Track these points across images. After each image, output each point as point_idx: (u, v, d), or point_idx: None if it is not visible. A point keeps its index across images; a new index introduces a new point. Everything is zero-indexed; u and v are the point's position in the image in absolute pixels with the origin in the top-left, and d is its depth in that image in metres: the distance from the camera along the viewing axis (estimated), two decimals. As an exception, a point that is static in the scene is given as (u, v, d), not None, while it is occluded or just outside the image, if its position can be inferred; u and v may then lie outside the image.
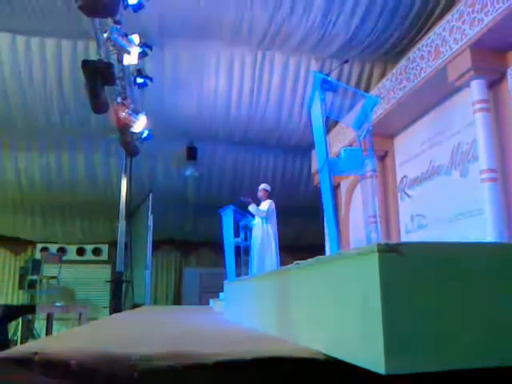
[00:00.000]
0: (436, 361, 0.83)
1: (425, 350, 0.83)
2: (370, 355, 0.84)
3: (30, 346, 1.19)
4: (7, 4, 7.22)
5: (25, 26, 7.88)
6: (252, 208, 6.39)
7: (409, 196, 7.14)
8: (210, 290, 10.50)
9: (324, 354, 1.02)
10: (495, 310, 0.88)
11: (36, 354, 1.05)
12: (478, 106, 5.07)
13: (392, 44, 8.32)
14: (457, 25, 5.26)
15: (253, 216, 6.50)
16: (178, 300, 12.93)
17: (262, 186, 6.71)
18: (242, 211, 6.57)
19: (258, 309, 1.95)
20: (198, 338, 1.72)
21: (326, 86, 3.90)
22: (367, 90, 8.50)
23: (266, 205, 6.40)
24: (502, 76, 5.19)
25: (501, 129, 5.16)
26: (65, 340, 1.55)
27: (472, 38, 5.00)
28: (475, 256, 0.91)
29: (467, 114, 5.47)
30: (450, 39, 5.37)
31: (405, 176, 7.27)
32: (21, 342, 7.45)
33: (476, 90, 5.12)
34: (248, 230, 6.60)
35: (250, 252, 6.54)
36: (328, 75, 4.25)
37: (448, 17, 5.48)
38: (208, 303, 5.98)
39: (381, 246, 0.85)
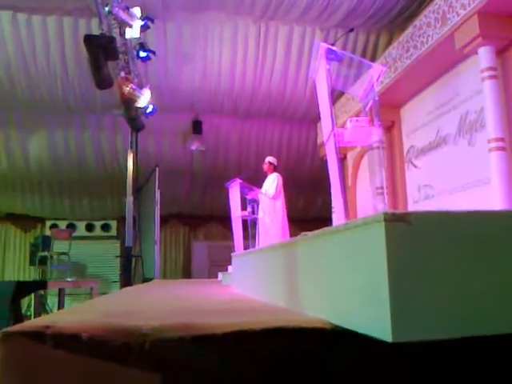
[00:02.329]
0: (444, 328, 0.84)
1: (432, 318, 0.83)
2: (377, 324, 0.85)
3: (42, 320, 1.21)
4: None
5: (26, 3, 7.80)
6: (261, 191, 6.40)
7: (416, 166, 7.10)
8: (219, 264, 10.60)
9: (331, 324, 1.03)
10: (506, 277, 0.88)
11: (48, 327, 1.07)
12: (486, 73, 4.99)
13: (398, 12, 8.17)
14: (464, -11, 5.13)
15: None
16: (187, 274, 13.08)
17: (268, 158, 6.71)
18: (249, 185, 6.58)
19: (266, 280, 1.97)
20: (206, 310, 1.75)
21: (331, 55, 3.86)
22: (373, 59, 8.38)
23: (272, 181, 6.39)
24: (511, 43, 5.09)
25: (509, 97, 5.09)
26: (76, 314, 1.57)
27: (480, 4, 4.88)
28: (484, 224, 0.91)
29: (475, 81, 5.39)
30: (457, 5, 5.25)
31: (412, 146, 7.23)
32: (34, 317, 7.59)
33: (484, 57, 5.03)
34: (255, 203, 6.62)
35: (257, 226, 6.57)
36: (333, 45, 4.19)
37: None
38: (217, 276, 6.04)
39: (387, 216, 0.85)
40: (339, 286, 1.05)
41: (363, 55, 8.68)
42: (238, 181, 6.57)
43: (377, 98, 4.27)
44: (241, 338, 1.01)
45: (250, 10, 8.23)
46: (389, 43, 8.33)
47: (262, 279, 2.06)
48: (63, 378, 1.02)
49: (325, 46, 3.85)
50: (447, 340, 0.85)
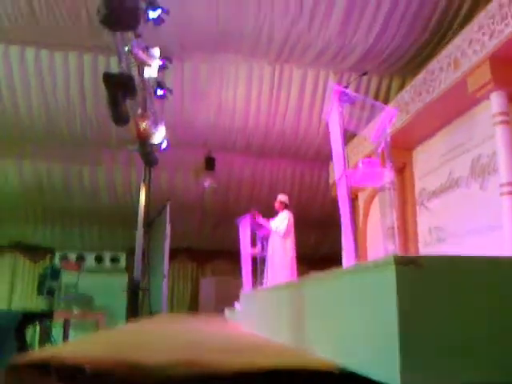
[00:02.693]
0: (452, 377, 0.82)
1: (441, 366, 0.82)
2: (386, 369, 0.84)
3: (48, 351, 1.21)
4: (32, 17, 7.41)
5: (49, 40, 8.06)
6: (271, 225, 6.40)
7: (427, 208, 7.07)
8: (226, 300, 10.48)
9: (339, 367, 1.02)
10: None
11: (53, 358, 1.07)
12: (498, 118, 5.02)
13: (411, 56, 8.30)
14: (476, 37, 5.22)
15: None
16: (194, 309, 12.93)
17: (280, 197, 6.71)
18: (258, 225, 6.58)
19: (274, 319, 1.95)
20: (213, 347, 1.73)
21: (344, 98, 3.91)
22: (386, 102, 8.47)
23: (283, 219, 6.38)
24: (523, 88, 5.13)
25: (522, 142, 5.08)
26: (81, 346, 1.56)
27: (492, 49, 4.95)
28: (495, 271, 0.90)
29: (487, 126, 5.41)
30: (469, 51, 5.33)
31: (423, 188, 7.21)
32: (38, 347, 7.52)
33: (496, 102, 5.07)
34: (265, 240, 6.61)
35: (266, 263, 6.53)
36: (346, 87, 4.26)
37: (467, 28, 5.45)
38: (224, 312, 5.98)
39: (398, 258, 0.85)
40: (347, 328, 1.04)
41: (376, 98, 8.78)
42: (249, 217, 6.58)
43: (388, 140, 4.30)
44: (248, 378, 0.99)
45: (265, 53, 8.41)
46: (401, 87, 8.43)
47: (271, 317, 2.04)
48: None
49: (338, 88, 3.92)
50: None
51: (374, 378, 0.88)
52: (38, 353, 1.24)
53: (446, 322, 0.84)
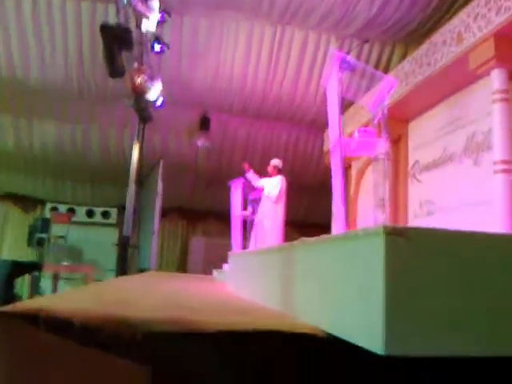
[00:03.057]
0: (436, 346, 0.84)
1: (426, 335, 0.84)
2: (370, 335, 0.86)
3: (36, 302, 1.22)
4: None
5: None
6: (262, 185, 6.40)
7: (419, 181, 7.10)
8: (215, 261, 10.60)
9: (324, 331, 1.04)
10: (501, 301, 0.89)
11: (42, 310, 1.08)
12: (497, 95, 4.99)
13: (415, 26, 8.17)
14: (482, 11, 5.13)
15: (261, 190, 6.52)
16: (183, 268, 13.08)
17: (273, 162, 6.71)
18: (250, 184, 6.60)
19: (261, 282, 1.97)
20: (200, 307, 1.75)
21: (344, 65, 3.86)
22: (386, 71, 8.37)
23: (276, 184, 6.39)
24: (525, 67, 5.08)
25: (519, 120, 5.08)
26: (70, 299, 1.58)
27: (497, 26, 4.87)
28: (483, 246, 0.91)
29: (485, 103, 5.38)
30: (473, 26, 5.25)
31: (417, 161, 7.22)
32: (28, 299, 7.61)
33: (497, 79, 5.02)
34: (256, 203, 6.64)
35: (254, 226, 6.57)
36: (347, 54, 4.20)
37: (473, 2, 5.34)
38: (212, 273, 6.05)
39: (387, 229, 0.85)
40: (334, 294, 1.05)
41: (376, 66, 8.68)
42: (242, 180, 6.59)
43: (386, 111, 4.27)
44: (232, 337, 1.01)
45: (267, 13, 8.23)
46: (403, 56, 8.33)
47: (258, 280, 2.07)
48: (53, 361, 1.03)
49: (339, 54, 3.86)
50: (441, 358, 0.86)
51: (359, 344, 0.90)
52: (26, 303, 1.25)
53: (432, 293, 0.86)
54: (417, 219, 7.00)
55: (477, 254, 0.89)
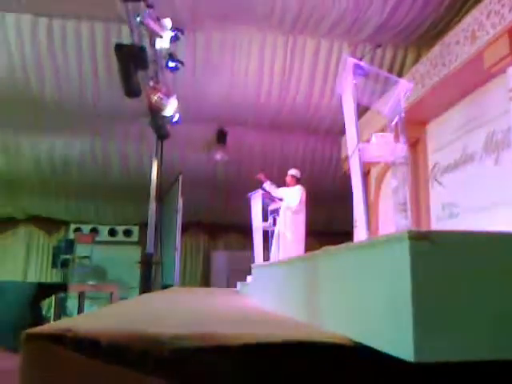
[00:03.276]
0: (467, 351, 0.82)
1: (455, 340, 0.82)
2: (399, 343, 0.84)
3: (64, 324, 1.22)
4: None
5: (61, 10, 8.00)
6: (281, 195, 6.39)
7: (440, 184, 7.01)
8: (238, 273, 10.59)
9: (352, 341, 1.02)
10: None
11: (69, 330, 1.08)
12: (514, 92, 4.92)
13: (427, 28, 8.12)
14: (495, 8, 5.07)
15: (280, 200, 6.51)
16: (206, 282, 13.10)
17: (290, 171, 6.70)
18: (271, 196, 6.59)
19: (286, 293, 1.96)
20: (225, 320, 1.75)
21: (358, 70, 3.85)
22: (400, 75, 8.33)
23: (296, 194, 6.37)
24: (541, 62, 5.00)
25: (538, 116, 4.99)
26: (97, 318, 1.59)
27: (510, 23, 4.81)
28: (509, 247, 0.89)
29: (502, 101, 5.31)
30: (487, 23, 5.19)
31: (436, 163, 7.14)
32: (54, 320, 7.69)
33: (513, 76, 4.96)
34: (276, 214, 6.62)
35: (275, 238, 6.54)
36: (360, 60, 4.19)
37: (486, 0, 5.29)
38: (235, 286, 6.04)
39: (412, 234, 0.84)
40: (361, 303, 1.04)
41: (390, 70, 8.64)
42: (261, 191, 6.58)
43: (403, 115, 4.24)
44: (259, 351, 1.00)
45: (279, 24, 8.28)
46: (416, 59, 8.28)
47: (282, 291, 2.05)
48: (81, 382, 1.04)
49: (352, 60, 3.86)
50: (472, 362, 0.84)
51: (388, 351, 0.88)
52: (53, 324, 1.26)
53: (460, 296, 0.84)
54: (440, 222, 6.90)
55: (504, 256, 0.88)
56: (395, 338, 0.86)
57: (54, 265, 11.52)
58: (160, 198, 8.52)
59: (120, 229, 12.98)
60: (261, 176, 6.68)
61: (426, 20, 7.93)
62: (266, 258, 6.73)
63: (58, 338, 1.07)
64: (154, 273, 8.08)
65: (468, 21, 5.60)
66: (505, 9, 4.91)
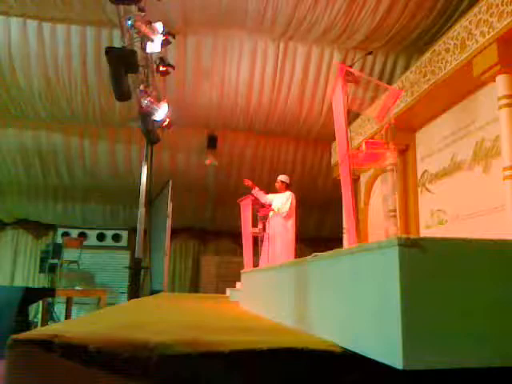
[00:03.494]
0: (454, 358, 0.82)
1: (443, 347, 0.82)
2: (388, 350, 0.84)
3: (51, 329, 1.21)
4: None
5: (51, 13, 7.96)
6: (270, 201, 6.39)
7: (429, 191, 7.06)
8: (227, 279, 10.56)
9: (340, 347, 1.02)
10: (516, 308, 0.87)
11: (56, 336, 1.07)
12: (503, 101, 4.97)
13: (417, 36, 8.19)
14: (484, 17, 5.14)
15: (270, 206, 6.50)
16: (195, 288, 13.04)
17: (280, 177, 6.70)
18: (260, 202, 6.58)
19: (275, 299, 1.95)
20: (214, 326, 1.74)
21: (348, 77, 3.87)
22: (390, 81, 8.40)
23: (286, 199, 6.37)
24: (530, 71, 5.06)
25: (526, 125, 5.04)
26: (84, 324, 1.57)
27: (499, 31, 4.88)
28: (498, 253, 0.90)
29: (491, 109, 5.36)
30: (476, 32, 5.26)
31: (426, 171, 7.19)
32: (41, 325, 7.61)
33: (502, 85, 5.01)
34: (266, 220, 6.60)
35: (264, 243, 6.53)
36: (351, 66, 4.21)
37: (475, 9, 5.36)
38: (225, 292, 6.02)
39: (401, 240, 0.84)
40: (349, 309, 1.04)
41: (380, 77, 8.71)
42: (251, 197, 6.57)
43: (392, 122, 4.27)
44: (248, 357, 1.00)
45: (270, 29, 8.30)
46: (407, 66, 8.34)
47: (271, 297, 2.05)
48: (68, 388, 1.02)
49: (343, 67, 3.87)
50: (461, 369, 0.84)
51: (376, 358, 0.88)
52: (41, 330, 1.25)
53: (449, 304, 0.84)
54: (429, 229, 6.94)
55: (491, 262, 0.88)
56: (383, 345, 0.86)
57: (41, 269, 11.39)
58: (149, 203, 8.48)
59: (109, 233, 12.89)
60: (248, 182, 6.68)
61: (416, 28, 8.00)
62: (256, 263, 6.71)
63: (44, 344, 1.05)
64: (143, 278, 8.03)
65: (457, 29, 5.66)
66: (494, 18, 4.98)
